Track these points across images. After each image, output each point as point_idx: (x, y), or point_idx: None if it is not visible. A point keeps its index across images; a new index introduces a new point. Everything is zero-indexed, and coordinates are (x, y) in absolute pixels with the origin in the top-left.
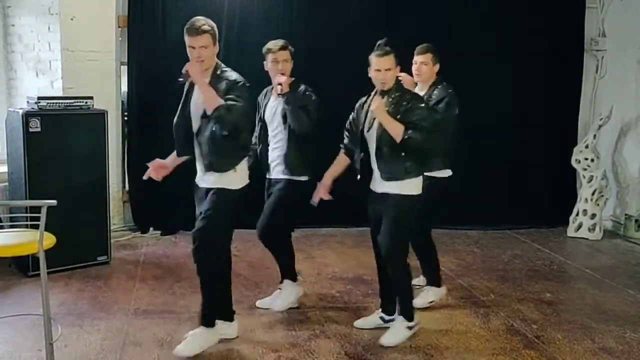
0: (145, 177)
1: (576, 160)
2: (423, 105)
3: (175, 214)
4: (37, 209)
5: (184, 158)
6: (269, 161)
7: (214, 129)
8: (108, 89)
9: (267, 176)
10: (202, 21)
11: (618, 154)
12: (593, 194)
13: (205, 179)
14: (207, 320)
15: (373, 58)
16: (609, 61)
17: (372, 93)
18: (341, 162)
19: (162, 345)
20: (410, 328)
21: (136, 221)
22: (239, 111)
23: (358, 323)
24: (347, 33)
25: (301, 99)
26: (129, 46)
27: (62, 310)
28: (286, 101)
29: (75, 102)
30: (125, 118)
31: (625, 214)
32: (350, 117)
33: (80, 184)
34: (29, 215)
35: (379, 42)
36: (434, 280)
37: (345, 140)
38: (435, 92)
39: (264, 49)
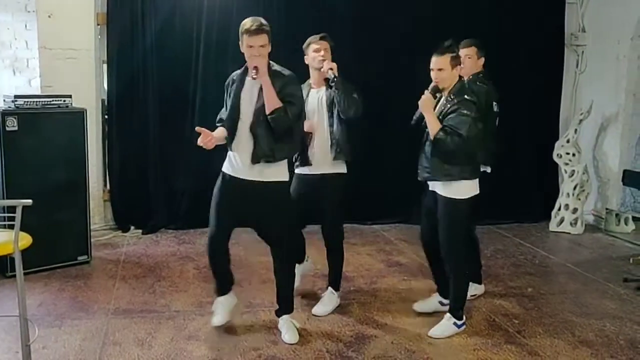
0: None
1: (558, 155)
2: (468, 113)
3: (156, 213)
4: (13, 209)
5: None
6: (309, 155)
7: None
8: (87, 88)
9: (299, 171)
10: (259, 20)
11: (598, 148)
12: (574, 188)
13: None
14: (292, 307)
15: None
16: (589, 56)
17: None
18: None
19: (142, 345)
20: (457, 326)
21: (117, 220)
22: (294, 114)
23: (417, 306)
24: (333, 32)
25: (348, 84)
26: (109, 44)
27: (41, 310)
28: (336, 86)
29: (53, 100)
30: (106, 116)
31: (606, 208)
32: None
33: (60, 183)
34: (5, 215)
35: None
36: (476, 277)
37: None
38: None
39: (305, 44)
